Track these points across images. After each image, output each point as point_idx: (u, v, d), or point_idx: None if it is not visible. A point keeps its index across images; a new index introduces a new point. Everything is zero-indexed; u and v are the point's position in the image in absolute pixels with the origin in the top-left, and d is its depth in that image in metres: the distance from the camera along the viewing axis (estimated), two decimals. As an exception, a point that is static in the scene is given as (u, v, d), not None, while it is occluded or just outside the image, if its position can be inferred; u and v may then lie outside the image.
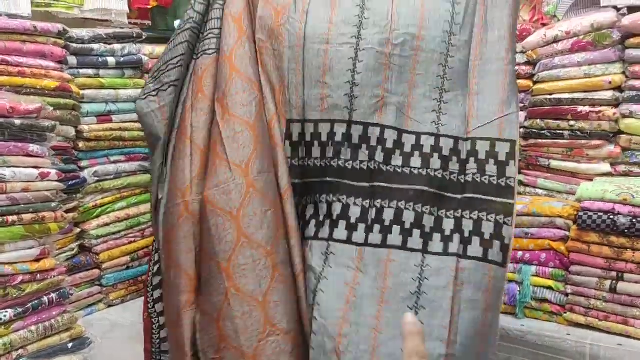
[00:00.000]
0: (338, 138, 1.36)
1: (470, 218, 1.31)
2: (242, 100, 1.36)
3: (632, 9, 1.93)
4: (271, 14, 1.40)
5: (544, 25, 2.20)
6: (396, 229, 1.32)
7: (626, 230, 1.61)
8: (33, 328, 1.44)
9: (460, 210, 1.32)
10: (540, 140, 2.07)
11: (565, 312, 1.72)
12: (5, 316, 1.39)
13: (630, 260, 1.63)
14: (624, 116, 1.89)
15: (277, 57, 1.39)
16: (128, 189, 2.12)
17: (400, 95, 1.38)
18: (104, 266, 2.02)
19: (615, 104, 1.92)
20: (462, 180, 1.34)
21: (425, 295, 1.26)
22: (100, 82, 2.02)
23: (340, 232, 1.34)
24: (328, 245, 1.34)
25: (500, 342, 1.73)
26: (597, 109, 1.92)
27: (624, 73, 1.90)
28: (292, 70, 1.38)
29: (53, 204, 1.48)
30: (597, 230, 1.65)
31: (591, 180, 1.92)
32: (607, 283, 1.66)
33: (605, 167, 1.95)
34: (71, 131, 1.91)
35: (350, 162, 1.36)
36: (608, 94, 1.90)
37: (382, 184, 1.35)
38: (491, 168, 1.32)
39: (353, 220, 1.34)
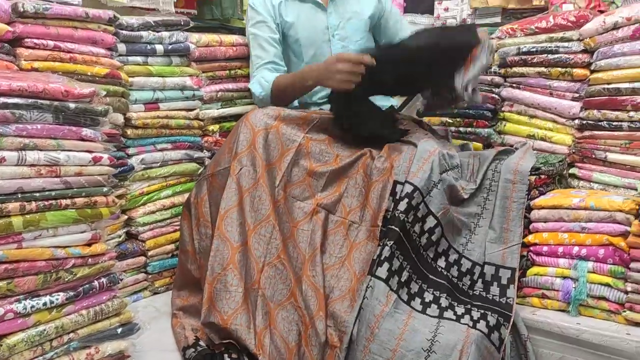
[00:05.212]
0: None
1: (478, 311, 1.62)
2: None
3: (700, -6, 1.84)
4: None
5: (601, 12, 2.11)
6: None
7: (693, 226, 1.52)
8: (84, 312, 1.44)
9: (470, 306, 1.65)
10: (596, 132, 1.99)
11: (624, 311, 1.64)
12: (57, 299, 1.39)
13: (697, 257, 1.54)
14: (688, 107, 1.80)
15: None
16: (174, 177, 2.13)
17: None
18: (149, 253, 2.03)
19: (679, 94, 1.82)
20: (470, 293, 1.71)
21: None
22: (149, 69, 2.02)
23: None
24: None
25: (553, 340, 1.66)
26: (660, 99, 1.83)
27: (689, 62, 1.80)
28: None
29: (105, 189, 1.47)
30: (662, 225, 1.56)
31: (651, 174, 1.83)
32: (671, 281, 1.57)
33: (667, 160, 1.86)
34: (120, 118, 1.92)
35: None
36: (671, 84, 1.81)
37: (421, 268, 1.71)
38: (495, 289, 1.70)
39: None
